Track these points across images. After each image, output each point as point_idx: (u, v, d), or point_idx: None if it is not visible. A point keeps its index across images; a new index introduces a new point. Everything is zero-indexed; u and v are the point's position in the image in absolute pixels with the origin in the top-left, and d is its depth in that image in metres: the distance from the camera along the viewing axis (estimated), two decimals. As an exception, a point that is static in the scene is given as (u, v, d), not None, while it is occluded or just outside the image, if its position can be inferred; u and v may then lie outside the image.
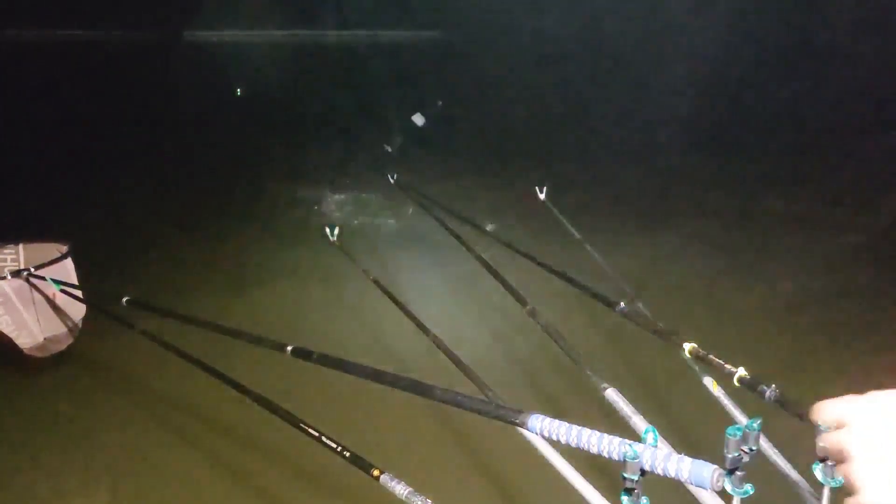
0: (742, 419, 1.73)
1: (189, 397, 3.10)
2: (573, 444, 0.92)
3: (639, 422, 1.62)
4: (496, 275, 2.67)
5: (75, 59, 12.28)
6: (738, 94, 9.46)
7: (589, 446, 0.88)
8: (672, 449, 1.53)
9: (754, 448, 1.22)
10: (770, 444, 1.61)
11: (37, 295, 3.26)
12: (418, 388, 1.36)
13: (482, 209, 5.28)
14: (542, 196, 3.54)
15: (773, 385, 1.47)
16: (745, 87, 9.80)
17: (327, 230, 3.46)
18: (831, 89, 9.03)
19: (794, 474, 1.55)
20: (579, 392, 2.95)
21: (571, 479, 1.51)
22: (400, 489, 1.39)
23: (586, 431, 0.89)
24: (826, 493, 1.30)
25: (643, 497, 1.19)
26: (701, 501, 1.39)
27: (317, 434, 1.60)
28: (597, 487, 1.48)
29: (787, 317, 3.95)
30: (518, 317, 2.31)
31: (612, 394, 1.70)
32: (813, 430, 1.27)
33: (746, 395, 1.56)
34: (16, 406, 3.14)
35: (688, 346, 1.74)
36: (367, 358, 3.56)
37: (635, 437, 1.24)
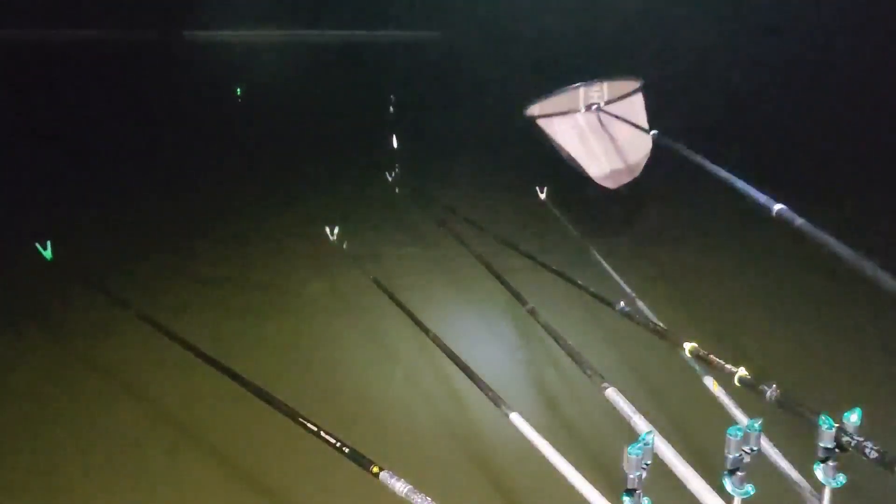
0: (743, 419, 1.73)
1: (184, 389, 3.09)
2: None
3: (639, 421, 1.62)
4: (496, 274, 2.67)
5: (75, 59, 12.27)
6: (741, 97, 9.46)
7: None
8: (674, 451, 1.53)
9: (755, 448, 1.22)
10: (770, 444, 1.61)
11: (607, 130, 3.52)
12: None
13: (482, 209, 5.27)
14: (542, 196, 3.53)
15: (774, 385, 1.46)
16: (748, 89, 9.80)
17: (327, 229, 3.46)
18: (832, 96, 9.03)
19: (794, 474, 1.55)
20: (579, 391, 2.95)
21: (571, 478, 1.51)
22: (400, 486, 1.38)
23: None
24: (827, 493, 1.30)
25: (644, 497, 1.19)
26: (701, 501, 1.39)
27: (315, 428, 1.60)
28: (597, 488, 1.48)
29: (787, 317, 3.95)
30: (517, 315, 2.31)
31: (612, 393, 1.70)
32: (813, 429, 1.27)
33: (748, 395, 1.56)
34: (13, 404, 3.13)
35: (688, 346, 1.74)
36: (366, 357, 3.56)
37: (634, 436, 1.24)
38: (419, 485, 1.37)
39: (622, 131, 3.55)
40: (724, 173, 2.17)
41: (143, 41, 13.73)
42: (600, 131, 3.57)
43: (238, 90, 10.11)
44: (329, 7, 14.32)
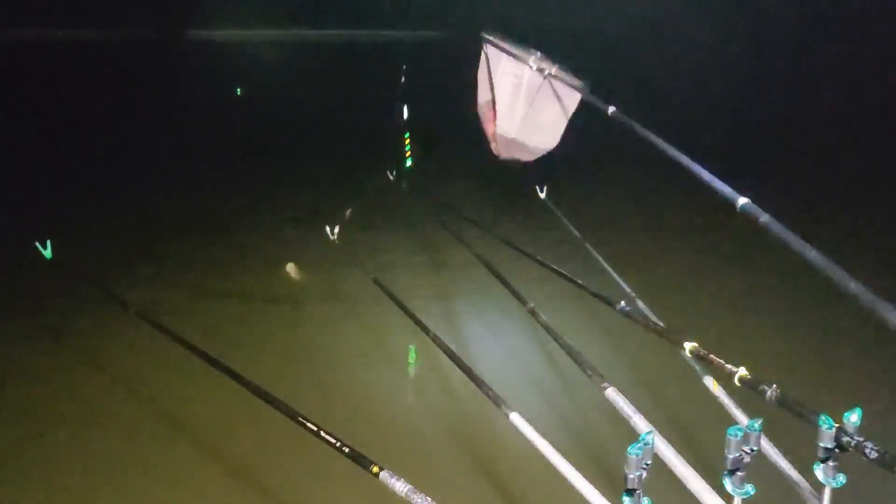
0: (743, 419, 1.73)
1: (185, 389, 3.09)
2: None
3: (639, 421, 1.61)
4: (496, 274, 2.67)
5: (75, 59, 12.27)
6: (738, 94, 9.46)
7: None
8: (674, 451, 1.53)
9: (755, 448, 1.21)
10: (770, 444, 1.61)
11: (539, 99, 3.32)
12: None
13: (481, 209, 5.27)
14: (542, 195, 3.53)
15: (774, 385, 1.46)
16: (747, 86, 9.80)
17: (327, 229, 3.46)
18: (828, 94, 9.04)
19: (794, 474, 1.54)
20: (579, 391, 2.95)
21: (571, 478, 1.50)
22: (400, 486, 1.38)
23: None
24: (827, 493, 1.30)
25: (644, 497, 1.19)
26: (701, 501, 1.39)
27: (315, 428, 1.59)
28: (597, 487, 1.48)
29: (785, 317, 3.95)
30: (517, 314, 2.31)
31: (612, 393, 1.69)
32: (813, 429, 1.26)
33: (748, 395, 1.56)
34: (13, 403, 3.13)
35: (688, 346, 1.74)
36: (366, 356, 3.56)
37: (634, 436, 1.24)
38: (419, 485, 1.37)
39: (550, 112, 3.47)
40: (686, 160, 2.04)
41: (143, 41, 13.73)
42: (533, 97, 3.38)
43: (238, 90, 10.11)
44: (329, 7, 14.32)
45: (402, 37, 13.80)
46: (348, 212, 3.40)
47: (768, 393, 1.45)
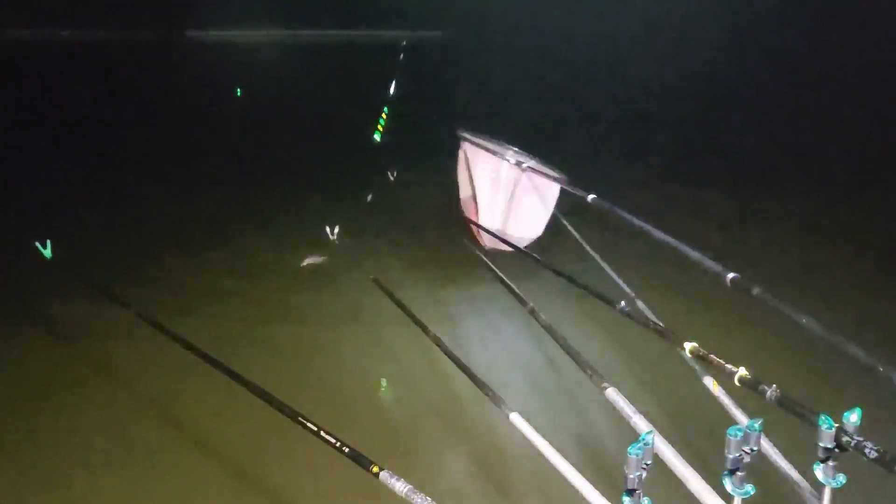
0: (743, 419, 1.73)
1: (185, 390, 3.09)
2: None
3: (638, 421, 1.62)
4: (496, 274, 2.68)
5: (75, 59, 12.28)
6: (736, 91, 9.47)
7: None
8: (674, 451, 1.53)
9: (755, 448, 1.22)
10: (770, 444, 1.61)
11: (518, 192, 3.54)
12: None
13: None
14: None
15: (774, 385, 1.46)
16: (743, 84, 9.82)
17: (327, 229, 3.47)
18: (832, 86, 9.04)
19: (794, 474, 1.55)
20: (579, 391, 2.95)
21: (571, 478, 1.51)
22: (400, 486, 1.38)
23: None
24: (827, 493, 1.30)
25: (644, 497, 1.19)
26: (701, 501, 1.39)
27: (315, 428, 1.60)
28: (597, 487, 1.48)
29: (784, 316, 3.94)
30: (517, 314, 2.31)
31: (612, 393, 1.70)
32: (813, 429, 1.27)
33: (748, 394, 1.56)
34: (12, 404, 3.13)
35: (688, 346, 1.74)
36: (366, 357, 3.57)
37: (634, 436, 1.24)
38: (419, 485, 1.37)
39: (529, 203, 3.55)
40: (673, 241, 2.16)
41: (143, 41, 13.74)
42: (512, 190, 3.56)
43: (238, 90, 10.12)
44: (329, 7, 14.33)
45: (404, 37, 13.81)
46: (336, 228, 3.44)
47: (768, 393, 1.46)
